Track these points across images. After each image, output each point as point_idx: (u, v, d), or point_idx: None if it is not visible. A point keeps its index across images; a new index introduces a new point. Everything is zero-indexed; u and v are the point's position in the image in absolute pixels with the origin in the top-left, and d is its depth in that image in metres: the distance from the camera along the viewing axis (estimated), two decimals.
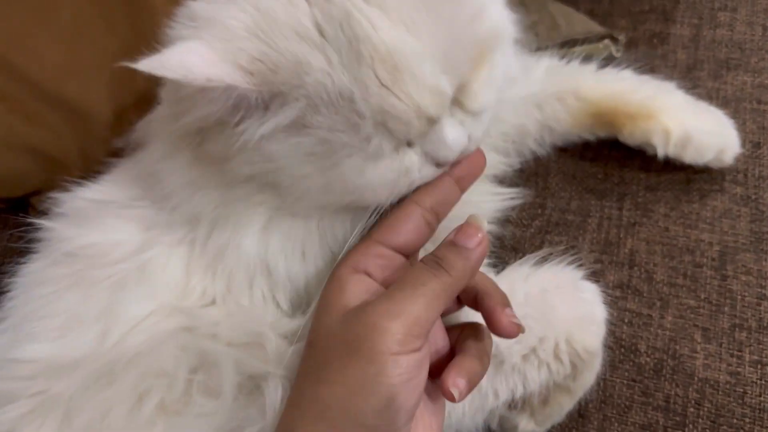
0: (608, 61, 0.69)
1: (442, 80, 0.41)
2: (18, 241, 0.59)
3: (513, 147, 0.68)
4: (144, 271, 0.51)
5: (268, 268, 0.50)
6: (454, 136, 0.43)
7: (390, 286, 0.39)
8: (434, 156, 0.44)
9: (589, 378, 0.55)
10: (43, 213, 0.61)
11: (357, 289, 0.39)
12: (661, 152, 0.63)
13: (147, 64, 0.38)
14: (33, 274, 0.54)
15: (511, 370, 0.53)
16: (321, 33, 0.39)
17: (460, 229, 0.41)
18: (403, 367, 0.35)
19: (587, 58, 0.68)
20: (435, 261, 0.39)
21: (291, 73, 0.39)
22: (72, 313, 0.50)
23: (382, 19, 0.39)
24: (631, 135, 0.64)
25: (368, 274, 0.41)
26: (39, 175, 0.67)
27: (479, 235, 0.41)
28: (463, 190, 0.45)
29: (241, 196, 0.48)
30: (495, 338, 0.51)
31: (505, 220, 0.65)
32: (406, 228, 0.43)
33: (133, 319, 0.49)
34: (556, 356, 0.52)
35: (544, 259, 0.56)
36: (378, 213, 0.46)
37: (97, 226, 0.53)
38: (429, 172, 0.45)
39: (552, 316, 0.53)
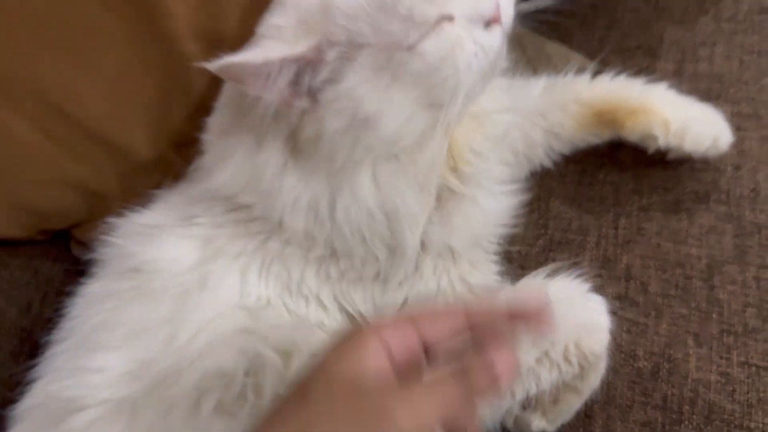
0: None
1: None
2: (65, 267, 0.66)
3: (524, 158, 0.75)
4: (205, 281, 0.57)
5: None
6: None
7: (406, 376, 0.38)
8: (477, 13, 0.51)
9: (594, 379, 0.61)
10: (84, 244, 0.68)
11: (375, 364, 0.38)
12: (662, 142, 0.69)
13: (216, 65, 0.49)
14: (94, 293, 0.60)
15: (527, 372, 0.58)
16: None
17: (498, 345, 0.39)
18: None
19: None
20: (462, 370, 0.38)
21: (319, 16, 0.50)
22: (137, 323, 0.56)
23: None
24: (633, 130, 0.70)
25: (389, 352, 0.39)
26: (82, 209, 0.73)
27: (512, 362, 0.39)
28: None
29: (345, 160, 0.54)
30: None
31: (512, 240, 0.71)
32: (444, 325, 0.41)
33: (199, 322, 0.55)
34: (566, 358, 0.58)
35: (553, 273, 0.63)
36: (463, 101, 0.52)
37: (157, 244, 0.60)
38: (485, 39, 0.52)
39: (563, 323, 0.58)
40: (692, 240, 0.70)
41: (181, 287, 0.57)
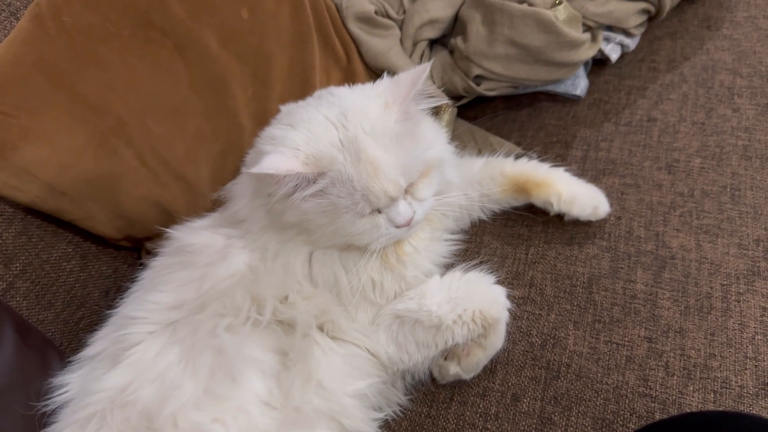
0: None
1: (400, 179, 0.78)
2: (136, 269, 0.95)
3: (466, 213, 1.04)
4: (225, 256, 0.86)
5: (310, 278, 0.86)
6: (404, 209, 0.80)
7: None
8: (393, 220, 0.80)
9: (495, 340, 0.85)
10: (152, 254, 0.98)
11: None
12: (556, 208, 0.97)
13: (257, 168, 0.74)
14: (157, 264, 0.90)
15: (446, 329, 0.83)
16: (342, 144, 0.77)
17: None
18: None
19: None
20: None
21: (327, 162, 0.76)
22: (181, 281, 0.85)
23: (372, 142, 0.77)
24: (537, 197, 0.99)
25: None
26: (158, 222, 1.02)
27: None
28: None
29: (291, 236, 0.85)
30: (434, 308, 0.84)
31: (452, 265, 0.98)
32: None
33: (219, 277, 0.83)
34: (473, 320, 0.83)
35: (470, 269, 0.89)
36: (371, 255, 0.81)
37: (198, 235, 0.90)
38: (392, 231, 0.81)
39: (472, 297, 0.84)
40: (579, 262, 0.97)
41: (210, 259, 0.86)
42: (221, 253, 0.87)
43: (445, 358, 0.87)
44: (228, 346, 0.78)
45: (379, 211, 0.80)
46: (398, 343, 0.85)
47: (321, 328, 0.84)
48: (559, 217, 1.01)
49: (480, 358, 0.86)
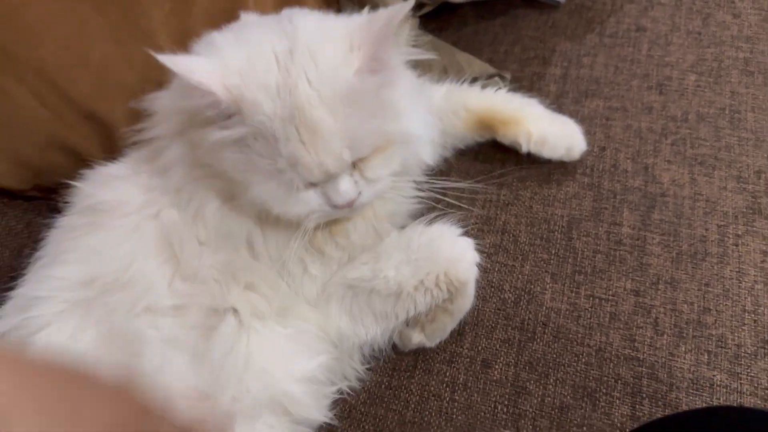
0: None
1: (344, 152, 0.62)
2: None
3: None
4: (145, 219, 0.72)
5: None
6: (345, 188, 0.65)
7: None
8: (329, 199, 0.66)
9: (462, 303, 0.74)
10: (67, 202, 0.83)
11: None
12: (525, 149, 0.85)
13: (167, 59, 0.59)
14: (63, 225, 0.76)
15: (407, 297, 0.72)
16: (278, 92, 0.60)
17: None
18: None
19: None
20: None
21: (250, 105, 0.60)
22: (92, 249, 0.71)
23: (315, 99, 0.60)
24: (504, 136, 0.86)
25: None
26: (70, 168, 0.88)
27: None
28: None
29: (200, 176, 0.69)
30: (392, 272, 0.72)
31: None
32: None
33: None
34: (437, 285, 0.72)
35: (433, 221, 0.77)
36: (304, 234, 0.67)
37: (111, 189, 0.75)
38: (327, 210, 0.67)
39: (435, 257, 0.72)
40: (558, 203, 0.85)
41: (131, 225, 0.71)
42: (138, 214, 0.73)
43: (407, 325, 0.77)
44: (147, 329, 0.66)
45: (314, 185, 0.65)
46: (353, 315, 0.74)
47: (257, 315, 0.72)
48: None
49: (446, 323, 0.76)
